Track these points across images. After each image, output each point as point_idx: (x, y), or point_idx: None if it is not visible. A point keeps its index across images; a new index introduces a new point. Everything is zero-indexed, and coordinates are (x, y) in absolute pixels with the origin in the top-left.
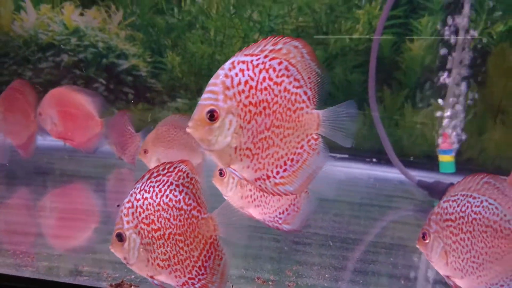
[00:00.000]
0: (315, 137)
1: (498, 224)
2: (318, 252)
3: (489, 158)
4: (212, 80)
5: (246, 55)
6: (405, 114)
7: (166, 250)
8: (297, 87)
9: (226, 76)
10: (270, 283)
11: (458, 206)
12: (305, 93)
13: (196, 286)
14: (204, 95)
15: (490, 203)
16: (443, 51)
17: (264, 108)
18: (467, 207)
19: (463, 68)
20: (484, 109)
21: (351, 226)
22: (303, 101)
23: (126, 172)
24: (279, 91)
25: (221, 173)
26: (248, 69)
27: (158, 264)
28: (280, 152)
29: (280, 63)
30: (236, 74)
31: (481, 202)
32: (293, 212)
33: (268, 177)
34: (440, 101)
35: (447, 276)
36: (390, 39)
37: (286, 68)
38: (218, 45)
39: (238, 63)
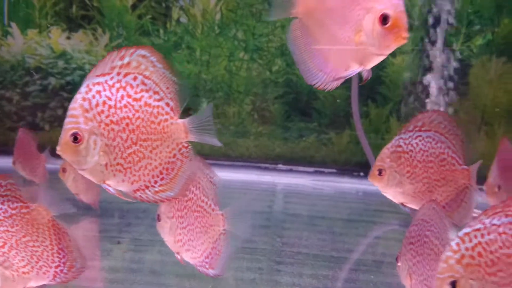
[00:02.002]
0: (185, 145)
1: (438, 247)
2: (299, 271)
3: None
4: (71, 105)
5: (98, 75)
6: (391, 127)
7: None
8: (158, 100)
9: (84, 99)
10: None
11: (417, 229)
12: (167, 104)
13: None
14: (66, 120)
15: (435, 228)
16: (425, 65)
17: (127, 124)
18: (422, 230)
19: (446, 81)
20: (468, 120)
21: (335, 244)
22: (167, 113)
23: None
24: (140, 106)
25: (158, 218)
26: (104, 90)
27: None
28: (153, 163)
29: (135, 78)
30: (93, 96)
31: (431, 226)
32: (215, 256)
33: (147, 187)
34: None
35: None
36: None
37: (143, 83)
38: (204, 64)
39: (94, 85)
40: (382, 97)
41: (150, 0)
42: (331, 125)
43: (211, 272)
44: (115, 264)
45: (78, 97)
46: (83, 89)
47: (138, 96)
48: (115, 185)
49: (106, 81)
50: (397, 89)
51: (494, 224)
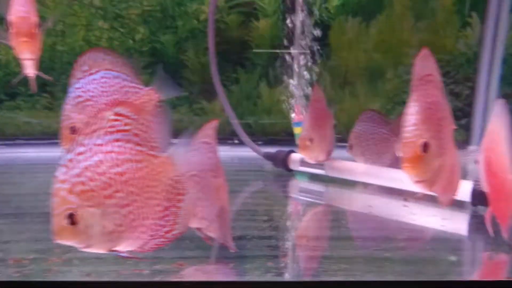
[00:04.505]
0: None
1: None
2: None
3: (342, 127)
4: None
5: None
6: (261, 93)
7: None
8: None
9: None
10: None
11: None
12: None
13: None
14: None
15: None
16: (287, 28)
17: None
18: None
19: (308, 43)
20: (332, 81)
21: None
22: None
23: None
24: None
25: None
26: None
27: None
28: None
29: None
30: None
31: None
32: None
33: None
34: (290, 77)
35: None
36: (236, 19)
37: None
38: (59, 35)
39: None
40: (250, 62)
41: None
42: (202, 94)
43: None
44: None
45: None
46: None
47: None
48: None
49: None
50: (264, 53)
51: (98, 144)
